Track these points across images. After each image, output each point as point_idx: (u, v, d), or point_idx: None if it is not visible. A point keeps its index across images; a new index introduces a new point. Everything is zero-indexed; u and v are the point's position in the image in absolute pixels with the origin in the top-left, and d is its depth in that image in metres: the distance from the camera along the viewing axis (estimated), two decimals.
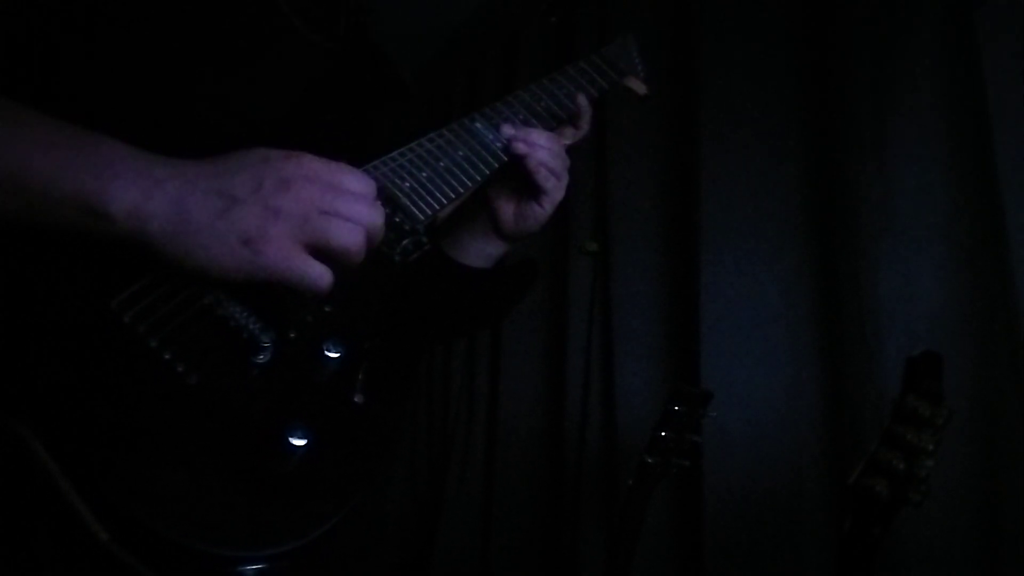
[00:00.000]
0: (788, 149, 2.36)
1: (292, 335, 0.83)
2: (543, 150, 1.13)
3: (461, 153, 1.07)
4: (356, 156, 0.93)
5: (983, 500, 1.85)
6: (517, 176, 1.15)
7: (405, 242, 0.96)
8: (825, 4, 2.32)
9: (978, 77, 2.00)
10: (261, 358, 0.80)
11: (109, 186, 0.72)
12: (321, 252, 0.77)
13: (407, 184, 0.99)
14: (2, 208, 0.71)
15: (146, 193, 0.72)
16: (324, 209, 0.77)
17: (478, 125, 1.11)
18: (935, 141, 2.05)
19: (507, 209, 1.19)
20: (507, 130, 1.13)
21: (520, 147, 1.12)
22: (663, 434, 1.80)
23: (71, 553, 0.71)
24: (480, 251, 1.20)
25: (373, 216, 0.81)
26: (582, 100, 1.24)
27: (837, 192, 2.22)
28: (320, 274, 0.77)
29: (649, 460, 1.80)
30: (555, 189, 1.16)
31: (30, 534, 0.72)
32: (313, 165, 0.79)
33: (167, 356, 0.75)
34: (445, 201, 1.02)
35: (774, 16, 2.44)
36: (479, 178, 1.07)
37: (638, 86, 1.39)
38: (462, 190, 1.05)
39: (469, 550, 2.99)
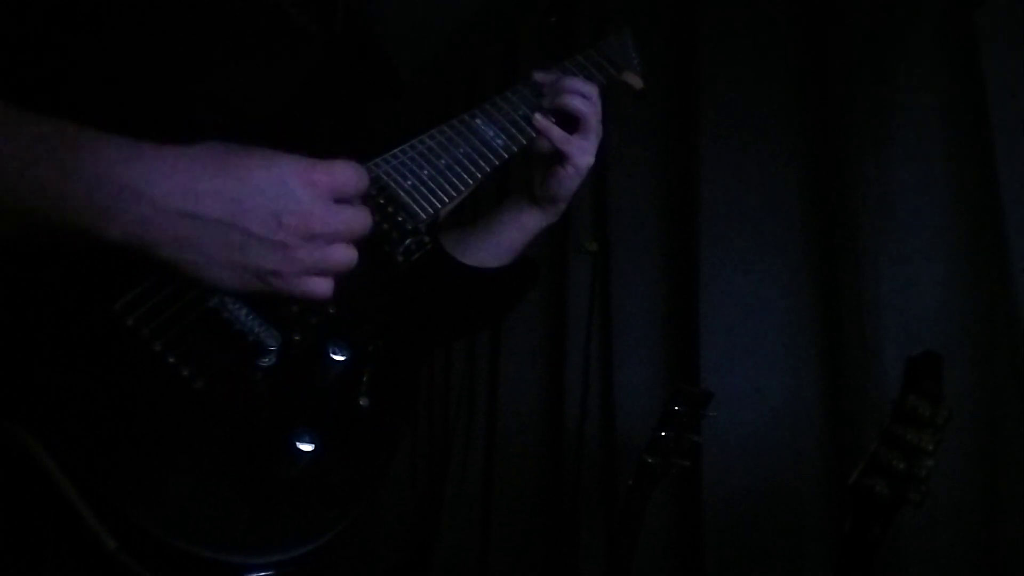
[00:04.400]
0: (788, 149, 2.36)
1: (297, 338, 0.82)
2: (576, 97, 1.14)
3: (462, 150, 1.05)
4: (352, 151, 0.92)
5: (983, 500, 1.85)
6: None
7: (408, 241, 0.94)
8: (825, 4, 2.32)
9: (978, 77, 2.00)
10: (266, 361, 0.79)
11: (103, 216, 0.67)
12: (325, 275, 0.78)
13: (409, 182, 0.98)
14: None
15: (147, 221, 0.69)
16: (329, 235, 0.76)
17: (478, 121, 1.10)
18: (935, 141, 2.05)
19: (538, 174, 1.18)
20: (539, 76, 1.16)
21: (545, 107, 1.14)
22: (663, 434, 1.80)
23: (76, 562, 0.69)
24: (514, 220, 1.19)
25: (363, 223, 0.80)
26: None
27: (837, 192, 2.22)
28: (325, 290, 0.77)
29: (649, 460, 1.80)
30: (578, 151, 1.15)
31: (34, 543, 0.71)
32: (321, 188, 0.76)
33: (171, 360, 0.74)
34: (447, 200, 1.01)
35: (774, 16, 2.44)
36: (480, 175, 1.06)
37: (635, 81, 1.35)
38: (463, 188, 1.03)
39: (469, 550, 2.99)
